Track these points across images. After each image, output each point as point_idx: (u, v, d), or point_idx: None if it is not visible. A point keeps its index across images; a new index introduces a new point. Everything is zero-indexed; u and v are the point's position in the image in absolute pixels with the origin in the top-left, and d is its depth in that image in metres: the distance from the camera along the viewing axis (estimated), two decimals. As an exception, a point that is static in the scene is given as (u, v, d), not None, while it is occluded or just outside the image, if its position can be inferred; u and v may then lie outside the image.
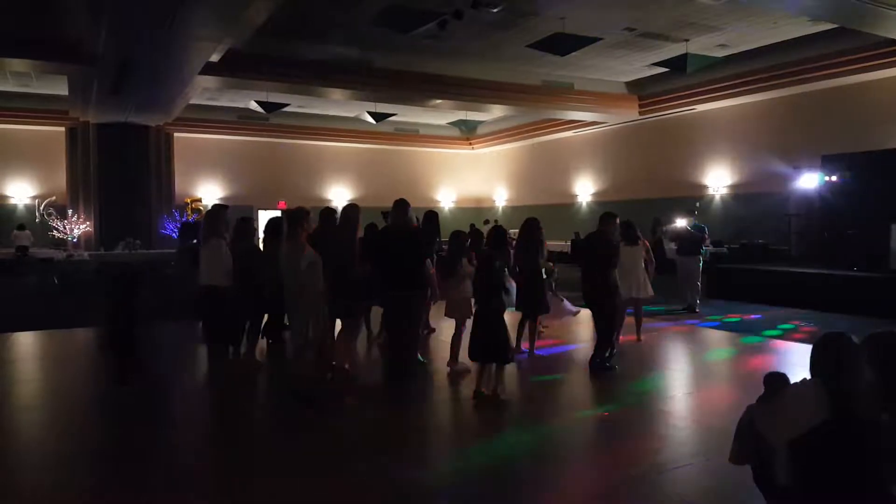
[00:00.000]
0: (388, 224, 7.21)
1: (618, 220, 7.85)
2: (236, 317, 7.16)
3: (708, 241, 13.17)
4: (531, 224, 8.31)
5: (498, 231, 8.06)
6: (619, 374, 7.53)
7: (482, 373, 6.43)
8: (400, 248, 6.84)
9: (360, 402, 6.65)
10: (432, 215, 8.83)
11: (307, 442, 5.35)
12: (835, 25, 14.05)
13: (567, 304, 9.46)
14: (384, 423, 5.87)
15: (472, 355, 6.44)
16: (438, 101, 19.76)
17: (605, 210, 8.40)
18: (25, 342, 9.98)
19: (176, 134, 23.70)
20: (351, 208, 7.44)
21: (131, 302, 6.71)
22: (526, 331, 8.45)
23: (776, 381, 3.53)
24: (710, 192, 19.81)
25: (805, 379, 3.09)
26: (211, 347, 7.36)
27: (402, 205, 7.03)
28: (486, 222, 23.38)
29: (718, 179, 19.69)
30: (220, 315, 6.91)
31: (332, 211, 7.48)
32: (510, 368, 6.84)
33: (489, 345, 6.30)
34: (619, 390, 7.01)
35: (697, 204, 18.57)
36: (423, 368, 7.58)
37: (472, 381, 6.59)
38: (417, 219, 7.86)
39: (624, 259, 8.46)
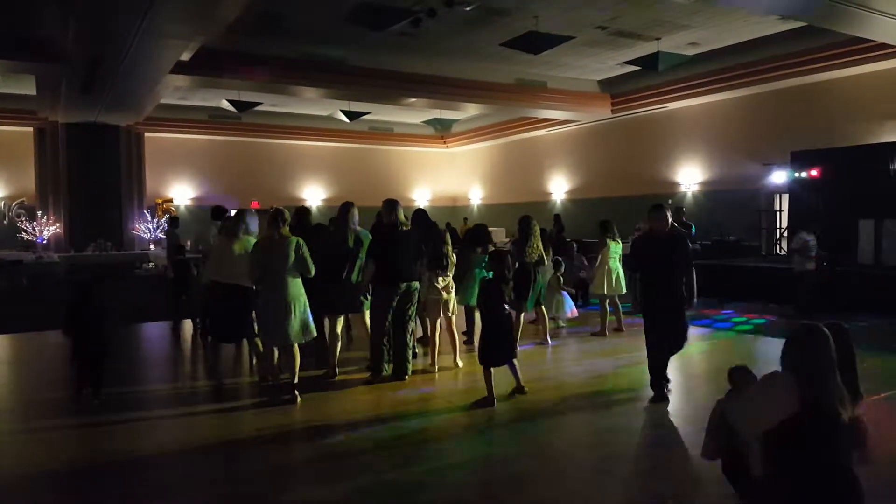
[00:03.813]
0: (380, 222, 7.28)
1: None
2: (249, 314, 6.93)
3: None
4: (527, 221, 8.71)
5: (479, 228, 8.34)
6: (598, 368, 7.59)
7: (490, 377, 6.35)
8: (393, 246, 6.93)
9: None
10: (422, 213, 8.90)
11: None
12: (803, 24, 14.26)
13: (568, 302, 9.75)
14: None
15: (488, 361, 6.35)
16: (412, 100, 19.72)
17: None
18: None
19: (147, 134, 23.34)
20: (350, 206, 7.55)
21: (89, 307, 6.48)
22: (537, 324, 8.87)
23: (740, 375, 3.58)
24: (682, 189, 20.00)
25: (775, 372, 3.12)
26: (217, 345, 7.23)
27: (392, 203, 7.19)
28: (465, 220, 23.48)
29: (690, 176, 19.89)
30: (241, 313, 6.73)
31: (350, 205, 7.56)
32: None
33: (506, 348, 6.30)
34: (601, 385, 7.08)
35: (669, 201, 18.72)
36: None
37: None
38: (408, 217, 7.94)
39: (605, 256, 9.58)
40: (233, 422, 6.01)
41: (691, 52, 16.79)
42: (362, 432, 5.63)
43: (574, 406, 6.39)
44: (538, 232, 8.72)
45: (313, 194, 26.99)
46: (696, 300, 6.38)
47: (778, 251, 16.28)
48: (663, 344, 6.30)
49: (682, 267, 6.26)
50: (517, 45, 14.73)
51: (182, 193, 24.75)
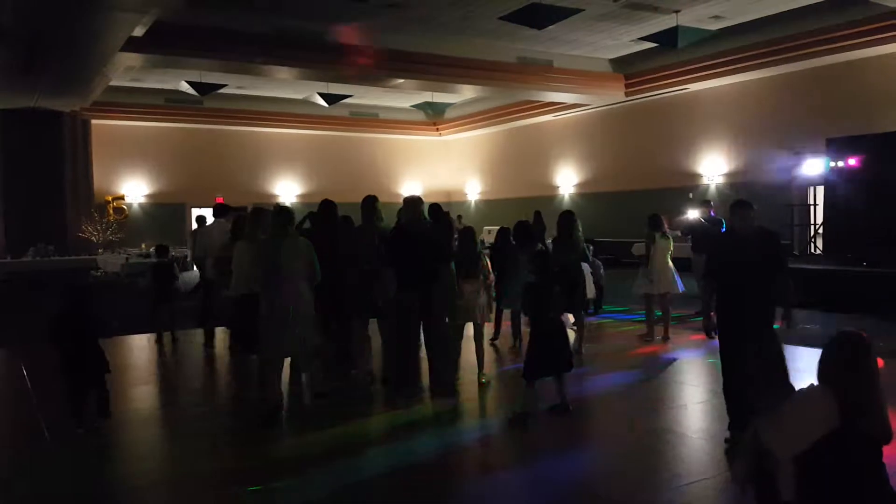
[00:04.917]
0: (402, 223, 7.43)
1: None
2: None
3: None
4: (568, 218, 8.94)
5: (527, 225, 8.52)
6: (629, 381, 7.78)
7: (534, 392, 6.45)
8: (419, 248, 7.06)
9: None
10: (439, 211, 9.04)
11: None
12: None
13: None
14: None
15: (534, 374, 6.37)
16: (400, 81, 19.72)
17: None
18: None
19: (94, 121, 23.27)
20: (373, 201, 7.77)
21: (84, 317, 6.41)
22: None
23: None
24: (705, 181, 20.07)
25: (812, 385, 3.11)
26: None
27: (414, 202, 7.39)
28: (460, 218, 23.55)
29: (714, 167, 19.98)
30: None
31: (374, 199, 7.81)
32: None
33: (559, 358, 6.36)
34: (642, 401, 7.17)
35: (691, 195, 18.80)
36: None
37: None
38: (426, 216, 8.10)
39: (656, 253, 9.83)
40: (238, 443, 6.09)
41: (714, 26, 16.83)
42: (382, 451, 5.75)
43: (611, 426, 6.53)
44: (580, 230, 8.96)
45: (287, 189, 26.96)
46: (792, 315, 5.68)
47: (812, 250, 16.33)
48: (741, 370, 5.04)
49: (775, 273, 5.50)
50: (519, 18, 14.74)
51: (135, 189, 24.66)
